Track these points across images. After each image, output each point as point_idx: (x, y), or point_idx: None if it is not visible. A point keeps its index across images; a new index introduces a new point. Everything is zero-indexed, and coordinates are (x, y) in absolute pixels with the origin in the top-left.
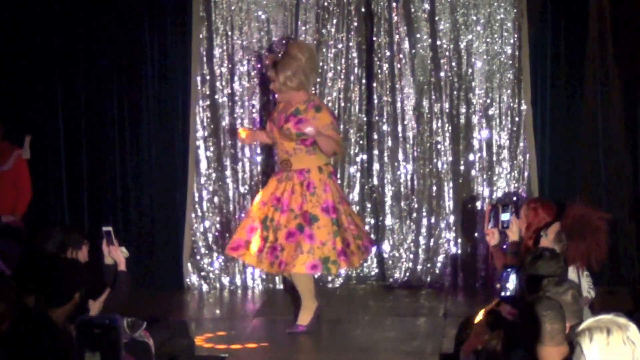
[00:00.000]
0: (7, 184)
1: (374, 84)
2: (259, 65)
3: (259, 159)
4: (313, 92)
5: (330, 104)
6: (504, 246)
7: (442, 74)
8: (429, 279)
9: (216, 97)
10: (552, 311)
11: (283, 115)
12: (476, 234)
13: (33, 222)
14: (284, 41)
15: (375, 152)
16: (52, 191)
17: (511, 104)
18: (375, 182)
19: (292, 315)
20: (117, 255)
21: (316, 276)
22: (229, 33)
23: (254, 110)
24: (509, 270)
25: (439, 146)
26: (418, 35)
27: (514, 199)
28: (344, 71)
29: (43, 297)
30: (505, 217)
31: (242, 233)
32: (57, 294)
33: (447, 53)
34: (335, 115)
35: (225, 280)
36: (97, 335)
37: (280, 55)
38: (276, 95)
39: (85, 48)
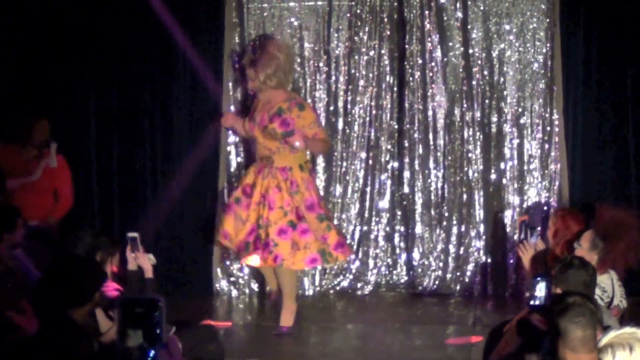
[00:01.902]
0: (38, 191)
1: (406, 92)
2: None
3: None
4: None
5: (361, 111)
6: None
7: (474, 82)
8: (458, 288)
9: (248, 102)
10: (584, 318)
11: (266, 115)
12: (506, 243)
13: (64, 226)
14: (257, 41)
15: (406, 159)
16: (83, 197)
17: (543, 113)
18: (406, 189)
19: (322, 321)
20: (144, 262)
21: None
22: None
23: None
24: (538, 279)
25: (470, 154)
26: (450, 44)
27: (545, 208)
28: (375, 79)
29: (64, 297)
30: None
31: (242, 234)
32: (77, 294)
33: (479, 62)
34: (316, 111)
35: (255, 285)
36: (139, 314)
37: (257, 54)
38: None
39: (118, 54)
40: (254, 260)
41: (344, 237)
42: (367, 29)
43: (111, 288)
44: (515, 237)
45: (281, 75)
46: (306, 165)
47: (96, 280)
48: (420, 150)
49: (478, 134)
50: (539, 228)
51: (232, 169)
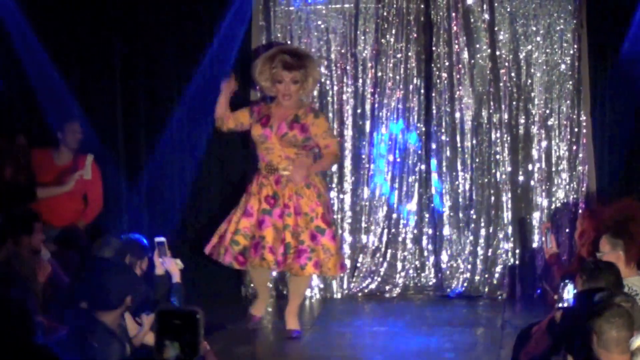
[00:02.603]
0: (69, 196)
1: (433, 94)
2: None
3: None
4: None
5: (388, 114)
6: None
7: (501, 84)
8: (486, 290)
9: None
10: (620, 319)
11: (284, 123)
12: (534, 245)
13: (93, 230)
14: (291, 46)
15: (434, 162)
16: (112, 202)
17: (570, 115)
18: (434, 192)
19: (349, 324)
20: (171, 266)
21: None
22: (289, 42)
23: None
24: (566, 280)
25: (497, 156)
26: (477, 46)
27: (572, 209)
28: (402, 81)
29: (95, 301)
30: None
31: (267, 245)
32: (111, 297)
33: (506, 63)
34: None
35: (284, 290)
36: (177, 326)
37: (305, 59)
38: (276, 99)
39: (146, 56)
40: (274, 264)
41: None
42: (394, 31)
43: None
44: (543, 243)
45: (313, 87)
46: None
47: (128, 285)
48: (448, 153)
49: (505, 135)
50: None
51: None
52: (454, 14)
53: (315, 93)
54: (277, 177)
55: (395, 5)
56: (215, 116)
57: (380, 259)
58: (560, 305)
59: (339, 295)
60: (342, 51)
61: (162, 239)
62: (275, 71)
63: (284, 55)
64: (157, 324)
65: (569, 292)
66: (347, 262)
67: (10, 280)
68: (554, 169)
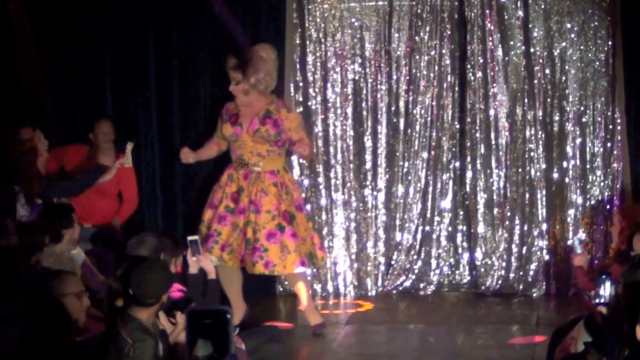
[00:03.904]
0: (104, 194)
1: (467, 92)
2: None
3: (352, 166)
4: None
5: (422, 111)
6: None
7: (535, 81)
8: (521, 287)
9: (309, 103)
10: None
11: (256, 119)
12: (569, 242)
13: (128, 228)
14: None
15: (468, 159)
16: (146, 198)
17: (605, 112)
18: (468, 189)
19: (383, 322)
20: (206, 263)
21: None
22: (322, 40)
23: (347, 117)
24: (603, 277)
25: (532, 153)
26: (511, 43)
27: (607, 206)
28: (437, 78)
29: (132, 298)
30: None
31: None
32: (147, 295)
33: (540, 60)
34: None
35: (317, 286)
36: (208, 325)
37: (244, 56)
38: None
39: (180, 55)
40: (238, 261)
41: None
42: (427, 28)
43: (175, 289)
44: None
45: (269, 79)
46: (287, 166)
47: (164, 282)
48: (482, 150)
49: (540, 132)
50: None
51: (295, 170)
52: (488, 11)
53: (349, 90)
54: (246, 172)
55: (429, 3)
56: (211, 158)
57: (415, 257)
58: (597, 301)
59: (374, 293)
60: (376, 49)
61: (195, 237)
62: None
63: (227, 59)
64: (188, 323)
65: (606, 289)
66: (381, 260)
67: (50, 279)
68: (588, 166)
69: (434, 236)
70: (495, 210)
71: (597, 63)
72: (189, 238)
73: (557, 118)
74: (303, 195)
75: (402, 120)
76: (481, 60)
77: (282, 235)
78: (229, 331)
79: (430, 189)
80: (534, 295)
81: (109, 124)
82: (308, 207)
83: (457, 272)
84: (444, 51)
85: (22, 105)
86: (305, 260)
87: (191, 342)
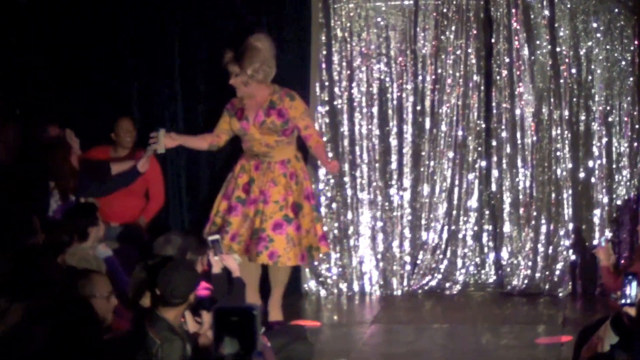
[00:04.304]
0: (130, 193)
1: (493, 91)
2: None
3: (377, 165)
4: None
5: (448, 111)
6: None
7: (561, 80)
8: (547, 287)
9: (335, 103)
10: None
11: (260, 111)
12: (595, 242)
13: (153, 228)
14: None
15: (494, 159)
16: (172, 198)
17: (631, 111)
18: (494, 189)
19: (409, 321)
20: (229, 262)
21: None
22: (348, 39)
23: (372, 117)
24: (630, 277)
25: (558, 153)
26: (537, 42)
27: (634, 206)
28: (462, 78)
29: (159, 297)
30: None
31: (236, 224)
32: (174, 295)
33: (566, 60)
34: (304, 102)
35: (343, 286)
36: (234, 323)
37: (239, 49)
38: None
39: (205, 54)
40: (243, 250)
41: (324, 230)
42: (453, 27)
43: (202, 287)
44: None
45: (266, 68)
46: (300, 155)
47: (190, 282)
48: (508, 149)
49: (566, 132)
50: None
51: (320, 169)
52: (514, 10)
53: (375, 90)
54: (258, 162)
55: (454, 2)
56: (205, 150)
57: (441, 256)
58: (623, 302)
59: (399, 292)
60: (402, 48)
61: (217, 236)
62: None
63: (224, 53)
64: (215, 321)
65: (632, 289)
66: (407, 259)
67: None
68: (614, 166)
69: (460, 235)
70: (521, 210)
71: (623, 62)
72: (210, 238)
73: (583, 117)
74: (329, 193)
75: (427, 120)
76: (507, 60)
77: (289, 227)
78: (256, 329)
79: (456, 188)
80: (560, 295)
81: (130, 122)
82: (334, 206)
83: (483, 271)
84: (469, 50)
85: (48, 106)
86: (305, 254)
87: (218, 340)
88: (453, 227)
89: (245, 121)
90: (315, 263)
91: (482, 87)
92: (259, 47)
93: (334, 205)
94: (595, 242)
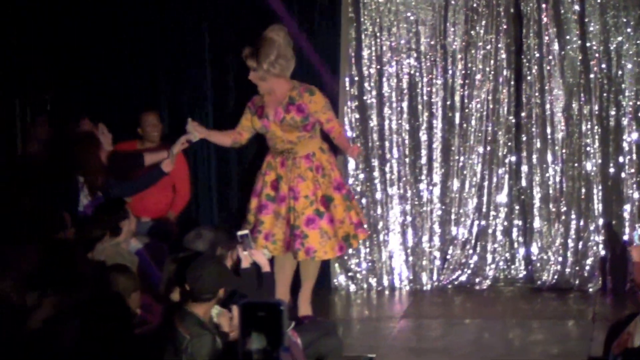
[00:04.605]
0: (157, 187)
1: (523, 86)
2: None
3: (407, 160)
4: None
5: (478, 105)
6: None
7: (591, 75)
8: (577, 282)
9: (364, 98)
10: None
11: (280, 108)
12: (625, 237)
13: (183, 222)
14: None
15: (524, 154)
16: (202, 193)
17: None
18: (524, 184)
19: (439, 317)
20: (259, 257)
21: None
22: (378, 34)
23: (402, 112)
24: None
25: (588, 148)
26: (568, 37)
27: None
28: (492, 73)
29: (188, 293)
30: None
31: (284, 229)
32: (204, 290)
33: (597, 55)
34: (325, 96)
35: (373, 281)
36: (261, 318)
37: (256, 44)
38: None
39: (235, 50)
40: (281, 249)
41: (362, 216)
42: (483, 22)
43: None
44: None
45: (283, 61)
46: (325, 146)
47: (220, 278)
48: (538, 144)
49: (596, 127)
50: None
51: (350, 164)
52: (544, 5)
53: (405, 85)
54: (283, 159)
55: None
56: (228, 146)
57: (470, 251)
58: None
59: (429, 287)
60: (432, 43)
61: (245, 231)
62: None
63: (243, 49)
64: (241, 316)
65: None
66: (437, 254)
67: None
68: None
69: (490, 231)
70: (551, 205)
71: None
72: (239, 233)
73: (613, 112)
74: (358, 188)
75: (457, 115)
76: (537, 55)
77: (321, 221)
78: (283, 324)
79: (486, 183)
80: (590, 290)
81: (156, 116)
82: (364, 201)
83: (512, 266)
84: (499, 45)
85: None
86: (343, 245)
87: (244, 336)
88: (483, 222)
89: (265, 119)
90: (351, 251)
91: (512, 82)
92: (274, 38)
93: (363, 200)
94: (625, 237)
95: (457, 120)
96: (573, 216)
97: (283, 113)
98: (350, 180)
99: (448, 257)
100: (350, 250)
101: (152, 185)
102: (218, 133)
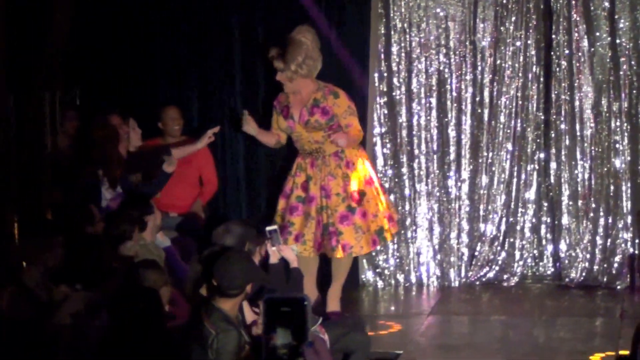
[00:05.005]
0: (184, 182)
1: (552, 83)
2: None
3: (435, 156)
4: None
5: (507, 102)
6: None
7: (621, 72)
8: (605, 279)
9: (393, 94)
10: None
11: (304, 110)
12: None
13: (211, 218)
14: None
15: (553, 150)
16: (230, 187)
17: None
18: (552, 181)
19: (468, 313)
20: (287, 253)
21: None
22: (407, 30)
23: (431, 108)
24: None
25: (617, 145)
26: (597, 34)
27: None
28: (522, 69)
29: (216, 289)
30: None
31: (314, 230)
32: (231, 286)
33: (626, 52)
34: (350, 97)
35: (400, 277)
36: (285, 313)
37: (284, 44)
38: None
39: (265, 47)
40: (313, 250)
41: (394, 210)
42: (513, 19)
43: None
44: None
45: (310, 62)
46: None
47: (248, 274)
48: (567, 141)
49: (625, 124)
50: None
51: (378, 160)
52: (574, 2)
53: (434, 81)
54: (312, 159)
55: None
56: (272, 146)
57: (498, 248)
58: None
59: (457, 284)
60: (461, 39)
61: (274, 227)
62: None
63: (269, 50)
64: (265, 311)
65: None
66: (465, 250)
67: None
68: None
69: (518, 227)
70: (580, 202)
71: None
72: (268, 228)
73: None
74: (387, 185)
75: (486, 111)
76: (566, 51)
77: (354, 217)
78: (307, 319)
79: (515, 180)
80: (618, 287)
81: (177, 110)
82: (392, 197)
83: (540, 263)
84: (529, 42)
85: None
86: (377, 238)
87: (268, 330)
88: (511, 219)
89: (291, 120)
90: (379, 247)
91: (542, 79)
92: (302, 41)
93: (392, 196)
94: None
95: (485, 117)
96: (601, 213)
97: (307, 116)
98: (379, 176)
99: (476, 253)
100: (378, 247)
101: (161, 189)
102: (266, 132)
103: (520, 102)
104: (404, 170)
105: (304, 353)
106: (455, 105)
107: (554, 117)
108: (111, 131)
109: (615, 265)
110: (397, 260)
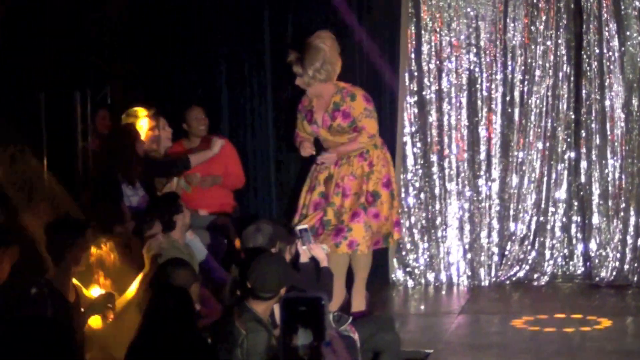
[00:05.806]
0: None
1: (583, 82)
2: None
3: (465, 155)
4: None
5: (537, 101)
6: None
7: None
8: (635, 279)
9: (424, 93)
10: None
11: (326, 115)
12: None
13: (242, 218)
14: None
15: (583, 150)
16: (261, 187)
17: None
18: (583, 180)
19: (498, 312)
20: (317, 252)
21: None
22: (437, 30)
23: (461, 107)
24: None
25: None
26: (628, 33)
27: None
28: (552, 68)
29: (249, 291)
30: None
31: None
32: (266, 289)
33: None
34: (369, 98)
35: (431, 276)
36: (303, 313)
37: (302, 50)
38: (307, 92)
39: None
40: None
41: (399, 216)
42: (544, 18)
43: None
44: None
45: (329, 67)
46: (378, 141)
47: (282, 277)
48: (598, 141)
49: None
50: None
51: (409, 159)
52: (604, 1)
53: (464, 80)
54: (337, 160)
55: None
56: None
57: (529, 247)
58: None
59: (487, 283)
60: (492, 38)
61: (305, 226)
62: None
63: (289, 54)
64: (282, 310)
65: None
66: (495, 250)
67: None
68: None
69: (548, 227)
70: (610, 201)
71: None
72: (298, 227)
73: None
74: (417, 184)
75: (517, 110)
76: (597, 51)
77: (366, 215)
78: (324, 318)
79: (545, 179)
80: None
81: (201, 110)
82: (422, 196)
83: (571, 263)
84: (559, 41)
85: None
86: (381, 240)
87: (286, 330)
88: (541, 218)
89: (315, 125)
90: (410, 247)
91: (572, 78)
92: (320, 46)
93: (422, 195)
94: None
95: (516, 116)
96: (632, 212)
97: (330, 121)
98: (409, 176)
99: (506, 253)
100: (408, 246)
101: (204, 160)
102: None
103: (550, 102)
104: (434, 169)
105: (322, 352)
106: (485, 104)
107: (585, 116)
108: (125, 130)
109: None
110: (428, 259)
